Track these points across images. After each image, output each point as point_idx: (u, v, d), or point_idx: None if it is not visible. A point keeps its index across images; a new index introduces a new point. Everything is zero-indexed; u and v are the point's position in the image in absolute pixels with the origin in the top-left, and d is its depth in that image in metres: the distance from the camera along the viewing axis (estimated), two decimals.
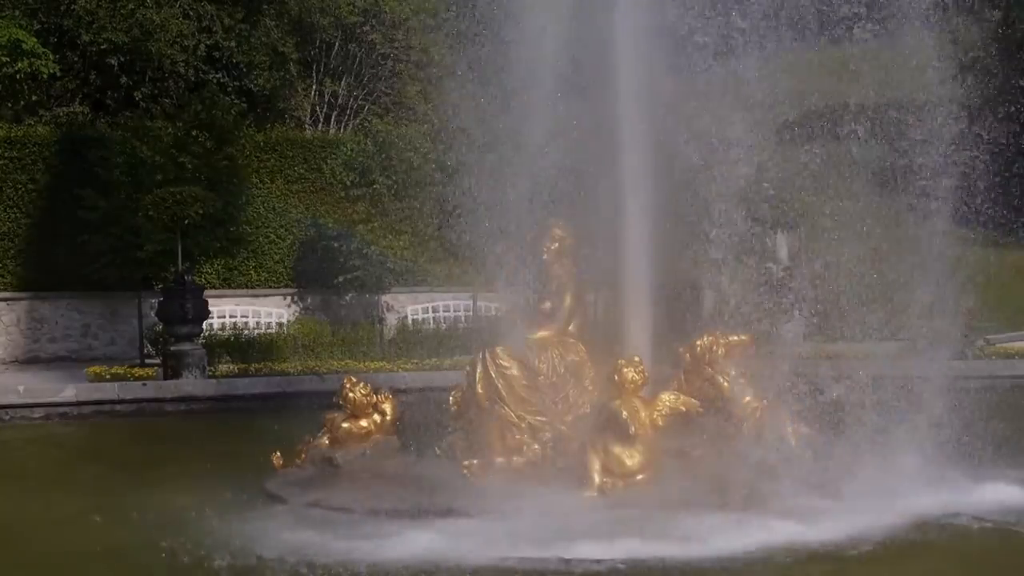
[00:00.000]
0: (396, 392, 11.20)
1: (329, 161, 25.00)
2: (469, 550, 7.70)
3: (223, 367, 18.62)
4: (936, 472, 9.26)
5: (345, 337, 20.93)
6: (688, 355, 10.21)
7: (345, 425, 10.43)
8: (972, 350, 17.18)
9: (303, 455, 10.41)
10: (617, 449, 9.09)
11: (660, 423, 9.58)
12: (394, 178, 22.76)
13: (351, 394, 10.46)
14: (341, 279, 23.13)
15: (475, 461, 9.57)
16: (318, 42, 31.07)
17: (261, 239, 24.69)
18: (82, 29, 27.43)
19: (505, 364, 9.84)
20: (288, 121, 30.12)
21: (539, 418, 9.82)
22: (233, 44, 28.85)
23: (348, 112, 31.50)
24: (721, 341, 10.14)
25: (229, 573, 7.54)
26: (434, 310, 24.51)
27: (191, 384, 17.18)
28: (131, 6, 27.44)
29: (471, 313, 21.55)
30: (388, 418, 10.63)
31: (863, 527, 8.11)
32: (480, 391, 9.83)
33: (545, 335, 10.16)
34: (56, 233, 22.80)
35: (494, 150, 10.60)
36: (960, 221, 11.38)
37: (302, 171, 25.20)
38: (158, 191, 19.62)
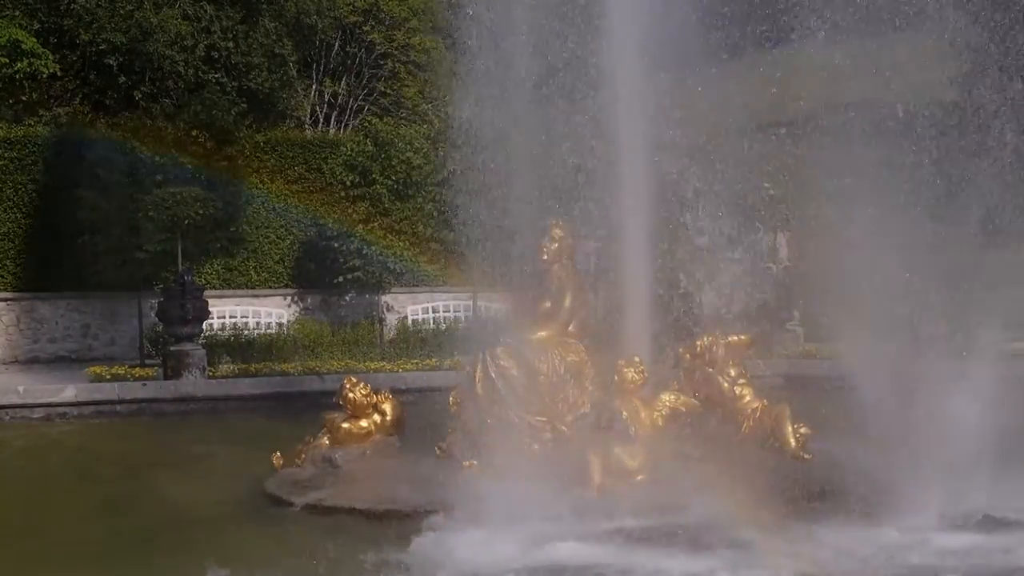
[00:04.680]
0: (396, 392, 11.21)
1: (329, 161, 24.98)
2: None
3: (223, 367, 18.62)
4: None
5: (345, 337, 20.93)
6: (688, 355, 10.24)
7: (345, 425, 10.44)
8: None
9: (303, 455, 10.41)
10: (617, 449, 9.08)
11: (660, 423, 9.58)
12: (394, 178, 22.76)
13: (351, 394, 10.47)
14: (341, 279, 23.12)
15: (475, 461, 9.56)
16: (317, 42, 31.06)
17: (261, 239, 24.68)
18: (81, 29, 27.43)
19: (505, 364, 9.82)
20: (288, 121, 30.09)
21: (539, 418, 9.81)
22: (231, 45, 28.84)
23: (348, 112, 31.48)
24: (721, 341, 10.16)
25: None
26: (434, 310, 24.51)
27: (191, 384, 17.17)
28: (130, 7, 27.44)
29: (471, 313, 21.54)
30: (388, 418, 10.64)
31: None
32: (480, 391, 9.81)
33: (545, 335, 10.15)
34: (56, 233, 22.78)
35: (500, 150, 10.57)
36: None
37: (302, 171, 25.17)
38: (158, 191, 19.63)
